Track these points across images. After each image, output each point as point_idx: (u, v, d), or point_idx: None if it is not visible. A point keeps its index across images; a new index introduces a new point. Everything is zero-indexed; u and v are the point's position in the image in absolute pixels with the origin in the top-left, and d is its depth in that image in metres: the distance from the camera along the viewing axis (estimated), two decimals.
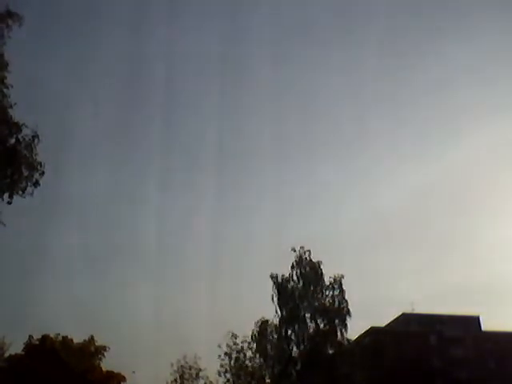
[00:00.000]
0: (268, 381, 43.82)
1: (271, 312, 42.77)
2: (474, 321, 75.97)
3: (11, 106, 17.56)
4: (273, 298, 42.60)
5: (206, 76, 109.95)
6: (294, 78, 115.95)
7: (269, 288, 42.97)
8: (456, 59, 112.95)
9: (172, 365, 49.51)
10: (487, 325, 75.70)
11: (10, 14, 17.57)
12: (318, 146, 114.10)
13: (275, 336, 42.57)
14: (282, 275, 43.28)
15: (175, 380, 49.56)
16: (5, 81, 17.49)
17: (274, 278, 43.22)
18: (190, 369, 49.27)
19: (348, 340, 42.39)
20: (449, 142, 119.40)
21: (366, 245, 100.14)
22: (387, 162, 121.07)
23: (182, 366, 49.38)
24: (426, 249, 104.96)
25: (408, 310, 72.99)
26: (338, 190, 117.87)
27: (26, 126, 17.53)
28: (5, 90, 17.47)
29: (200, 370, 49.08)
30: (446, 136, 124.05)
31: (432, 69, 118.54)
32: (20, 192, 17.79)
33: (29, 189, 17.77)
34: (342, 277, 42.72)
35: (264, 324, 42.74)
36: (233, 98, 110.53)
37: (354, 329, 50.02)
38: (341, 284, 42.53)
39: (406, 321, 74.54)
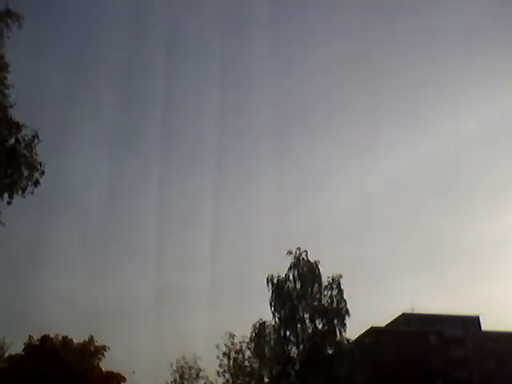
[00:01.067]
0: (267, 380, 43.83)
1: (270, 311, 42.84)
2: (474, 321, 75.95)
3: (11, 106, 17.63)
4: (271, 303, 42.36)
5: (206, 74, 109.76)
6: (294, 73, 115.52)
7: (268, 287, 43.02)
8: (455, 30, 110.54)
9: (172, 365, 49.71)
10: (487, 325, 75.94)
11: (9, 14, 17.53)
12: (317, 141, 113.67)
13: (273, 337, 42.46)
14: (278, 276, 43.00)
15: (175, 380, 49.64)
16: (5, 81, 17.55)
17: (270, 280, 42.82)
18: (190, 369, 49.38)
19: (347, 340, 42.16)
20: (446, 122, 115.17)
21: (366, 241, 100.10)
22: (385, 148, 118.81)
23: (181, 366, 49.52)
24: (425, 246, 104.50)
25: (408, 310, 73.14)
26: (337, 185, 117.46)
27: (26, 127, 17.57)
28: (5, 91, 17.54)
29: (200, 370, 49.23)
30: (445, 114, 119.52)
31: (429, 42, 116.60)
32: (20, 192, 17.82)
33: (29, 188, 17.80)
34: (341, 276, 42.60)
35: (262, 326, 42.56)
36: (232, 94, 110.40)
37: (354, 329, 50.08)
38: (339, 284, 42.36)
39: (406, 321, 74.62)
